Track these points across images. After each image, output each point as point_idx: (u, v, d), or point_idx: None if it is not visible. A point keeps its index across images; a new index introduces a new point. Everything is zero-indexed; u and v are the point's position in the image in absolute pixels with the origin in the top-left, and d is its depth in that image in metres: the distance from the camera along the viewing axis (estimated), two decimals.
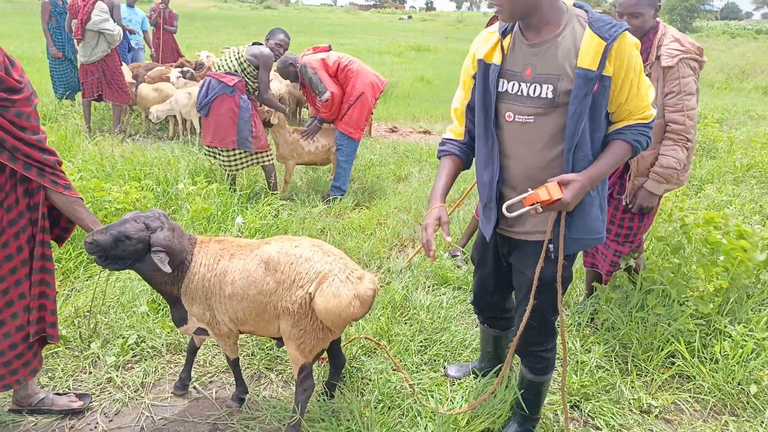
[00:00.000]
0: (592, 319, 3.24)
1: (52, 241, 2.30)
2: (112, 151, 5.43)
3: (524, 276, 2.07)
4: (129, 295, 3.18)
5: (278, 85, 7.43)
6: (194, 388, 2.62)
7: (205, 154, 4.97)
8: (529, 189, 1.86)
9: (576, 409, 2.61)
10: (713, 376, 2.70)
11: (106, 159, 4.97)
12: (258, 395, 2.59)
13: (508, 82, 1.87)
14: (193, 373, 2.63)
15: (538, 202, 1.82)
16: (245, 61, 4.61)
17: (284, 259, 2.09)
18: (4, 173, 2.03)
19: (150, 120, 6.87)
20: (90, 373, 2.67)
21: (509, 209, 1.91)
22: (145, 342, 2.87)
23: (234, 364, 2.44)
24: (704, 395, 2.67)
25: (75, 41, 6.99)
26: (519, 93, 1.85)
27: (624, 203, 2.94)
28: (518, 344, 2.15)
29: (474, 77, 1.99)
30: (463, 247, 4.07)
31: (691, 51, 2.63)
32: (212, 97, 4.61)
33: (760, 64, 18.39)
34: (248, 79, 4.67)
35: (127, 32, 8.48)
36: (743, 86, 14.81)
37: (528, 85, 1.82)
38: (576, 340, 3.03)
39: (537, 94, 1.81)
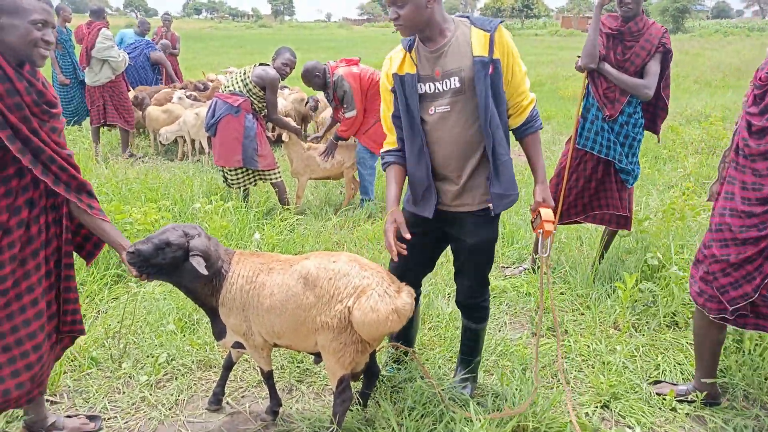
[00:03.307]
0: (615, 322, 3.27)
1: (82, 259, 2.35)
2: (126, 174, 5.49)
3: (464, 243, 2.42)
4: (156, 315, 3.22)
5: (283, 102, 7.51)
6: (227, 403, 2.65)
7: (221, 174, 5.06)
8: (537, 233, 2.35)
9: (606, 408, 2.63)
10: (740, 371, 2.72)
11: (122, 182, 5.02)
12: (291, 408, 2.61)
13: (425, 85, 2.25)
14: (225, 388, 2.66)
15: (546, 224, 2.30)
16: (251, 82, 4.70)
17: (323, 274, 2.14)
18: (37, 189, 2.02)
19: (160, 142, 6.95)
20: (123, 392, 2.70)
21: (543, 251, 2.37)
22: (175, 360, 2.90)
23: (268, 377, 2.47)
24: (734, 390, 2.69)
25: (81, 67, 7.11)
26: (435, 91, 2.23)
27: None
28: (461, 299, 2.59)
29: (393, 90, 2.33)
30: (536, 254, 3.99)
31: None
32: (218, 117, 4.70)
33: (755, 61, 18.47)
34: (254, 99, 4.75)
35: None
36: (741, 83, 14.87)
37: (440, 82, 2.22)
38: (600, 341, 3.06)
39: (448, 87, 2.21)
